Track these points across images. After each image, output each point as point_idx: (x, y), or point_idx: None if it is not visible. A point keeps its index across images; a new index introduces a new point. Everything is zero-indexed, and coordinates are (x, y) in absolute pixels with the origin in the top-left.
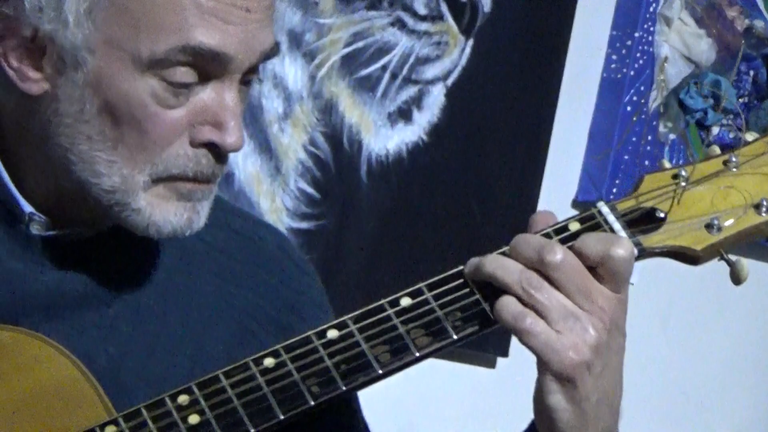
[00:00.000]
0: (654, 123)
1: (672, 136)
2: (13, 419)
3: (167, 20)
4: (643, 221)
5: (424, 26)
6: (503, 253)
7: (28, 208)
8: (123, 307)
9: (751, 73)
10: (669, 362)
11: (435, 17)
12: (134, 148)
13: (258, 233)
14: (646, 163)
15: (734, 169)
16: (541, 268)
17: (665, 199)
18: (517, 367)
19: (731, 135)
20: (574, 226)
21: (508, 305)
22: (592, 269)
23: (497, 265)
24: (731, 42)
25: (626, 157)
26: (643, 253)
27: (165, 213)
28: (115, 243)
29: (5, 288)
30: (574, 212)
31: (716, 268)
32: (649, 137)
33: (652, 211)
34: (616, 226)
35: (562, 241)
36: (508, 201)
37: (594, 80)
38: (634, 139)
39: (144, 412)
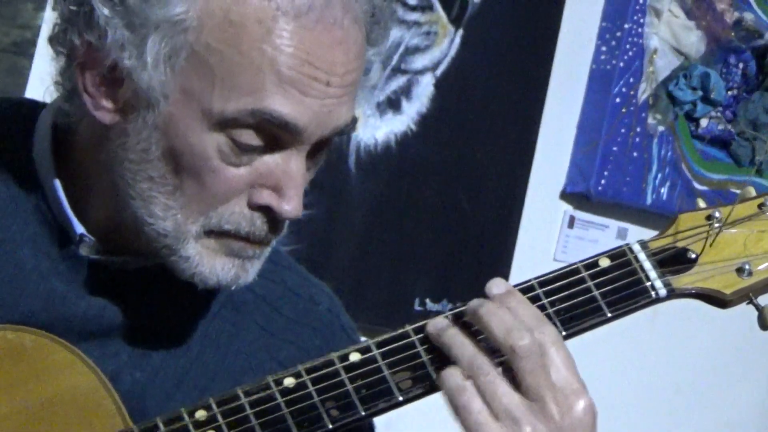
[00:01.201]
0: (643, 115)
1: (661, 128)
2: (30, 425)
3: (244, 81)
4: (674, 261)
5: (413, 16)
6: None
7: (80, 229)
8: (158, 342)
9: (741, 65)
10: (657, 355)
11: (425, 7)
12: (192, 197)
13: (312, 294)
14: (635, 155)
15: None
16: (504, 351)
17: (698, 240)
18: None
19: (720, 127)
20: (605, 262)
21: (452, 376)
22: None
23: (455, 343)
24: (721, 34)
25: (615, 148)
26: (672, 294)
27: (212, 266)
28: (163, 278)
29: (43, 306)
30: (563, 203)
31: None
32: (638, 129)
33: (684, 251)
34: (647, 264)
35: (592, 277)
36: (497, 191)
37: (583, 72)
38: (622, 130)
39: (161, 425)
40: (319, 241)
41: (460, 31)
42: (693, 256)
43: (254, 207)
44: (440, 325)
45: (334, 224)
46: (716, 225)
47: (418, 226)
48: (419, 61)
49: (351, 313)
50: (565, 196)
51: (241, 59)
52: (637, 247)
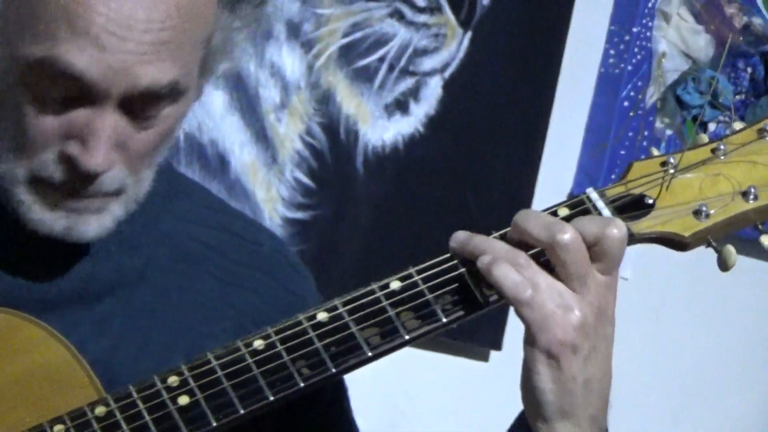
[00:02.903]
0: (651, 118)
1: (669, 132)
2: (4, 402)
3: (42, 28)
4: (631, 207)
5: (422, 18)
6: (503, 236)
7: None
8: (116, 303)
9: (749, 70)
10: (662, 356)
11: (433, 9)
12: (13, 143)
13: (256, 236)
14: (642, 158)
15: (722, 157)
16: (546, 248)
17: (654, 186)
18: (511, 360)
19: (728, 131)
20: (563, 212)
21: (509, 273)
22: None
23: (485, 243)
24: (729, 38)
25: (622, 152)
26: (632, 239)
27: (41, 213)
28: (110, 240)
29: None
30: None
31: (709, 261)
32: (646, 132)
33: (641, 197)
34: (605, 212)
35: None
36: (504, 194)
37: (591, 75)
38: (630, 134)
39: (134, 392)
40: (326, 242)
41: (469, 33)
42: (650, 201)
43: (66, 157)
44: (461, 236)
45: (340, 225)
46: (671, 170)
47: (425, 227)
48: (427, 63)
49: None
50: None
51: (39, 6)
52: (594, 195)
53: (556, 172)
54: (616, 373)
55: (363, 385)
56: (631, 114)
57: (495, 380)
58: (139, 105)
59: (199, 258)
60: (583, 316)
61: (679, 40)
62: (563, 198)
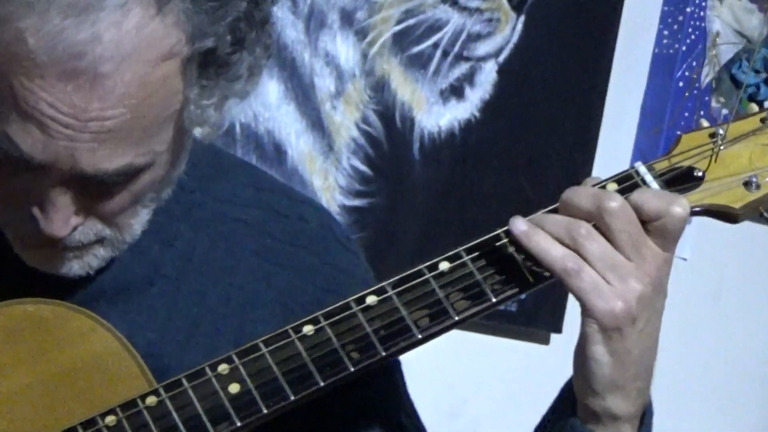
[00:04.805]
0: (706, 98)
1: (725, 111)
2: (54, 393)
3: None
4: (680, 180)
5: (475, 3)
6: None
7: None
8: (161, 291)
9: None
10: (720, 338)
11: None
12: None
13: (301, 212)
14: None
15: None
16: (595, 217)
17: (703, 158)
18: (571, 343)
19: None
20: (612, 187)
21: (555, 247)
22: (643, 224)
23: (544, 219)
24: None
25: (679, 133)
26: None
27: (25, 252)
28: (146, 234)
29: (43, 277)
30: None
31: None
32: (702, 113)
33: (690, 170)
34: (654, 185)
35: None
36: (560, 178)
37: (646, 56)
38: (686, 114)
39: (185, 381)
40: (383, 229)
41: (522, 17)
42: (699, 174)
43: (32, 217)
44: (520, 220)
45: (397, 212)
46: (720, 142)
47: (482, 213)
48: (482, 48)
49: None
50: None
51: None
52: (643, 169)
53: (612, 155)
54: (672, 355)
55: (422, 372)
56: (686, 94)
57: (556, 363)
58: (96, 182)
59: (242, 237)
60: (642, 288)
61: (732, 19)
62: None
